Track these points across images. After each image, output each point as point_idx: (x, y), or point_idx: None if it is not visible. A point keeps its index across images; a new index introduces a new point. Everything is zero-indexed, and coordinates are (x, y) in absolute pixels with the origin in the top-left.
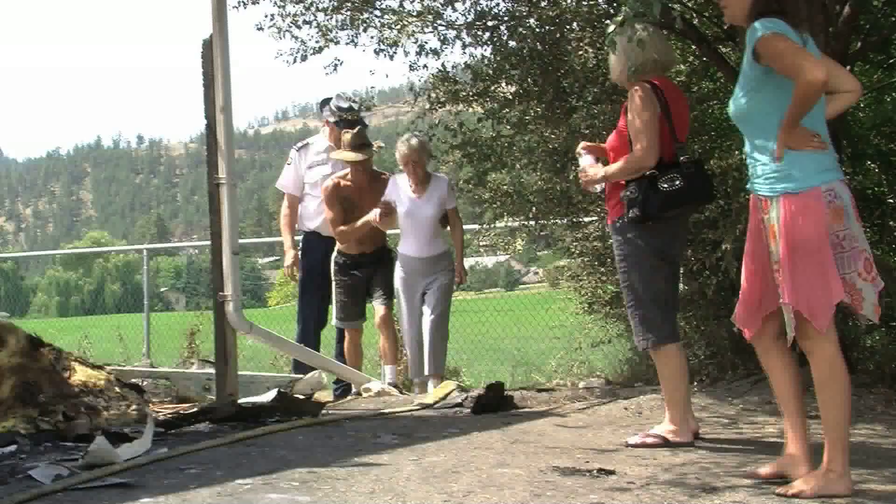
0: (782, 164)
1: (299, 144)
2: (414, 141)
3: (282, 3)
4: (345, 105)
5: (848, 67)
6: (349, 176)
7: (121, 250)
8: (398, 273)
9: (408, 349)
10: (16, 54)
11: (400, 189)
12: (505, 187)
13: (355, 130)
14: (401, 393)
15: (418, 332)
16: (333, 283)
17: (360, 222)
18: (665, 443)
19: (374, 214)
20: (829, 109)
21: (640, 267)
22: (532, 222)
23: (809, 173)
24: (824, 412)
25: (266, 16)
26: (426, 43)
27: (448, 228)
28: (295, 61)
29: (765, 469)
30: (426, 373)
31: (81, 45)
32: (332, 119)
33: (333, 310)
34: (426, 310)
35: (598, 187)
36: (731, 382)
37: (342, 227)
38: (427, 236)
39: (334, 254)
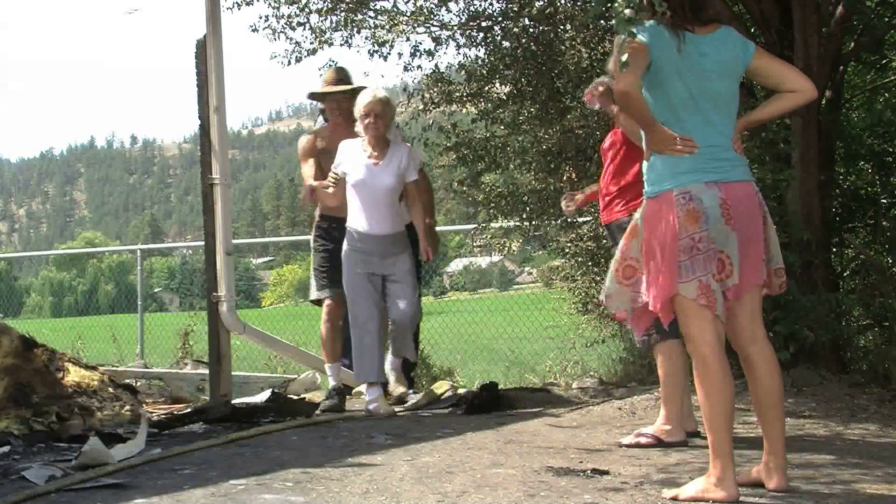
0: (648, 167)
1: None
2: (381, 93)
3: (276, 5)
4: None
5: (841, 68)
6: (328, 125)
7: (114, 251)
8: (349, 253)
9: (355, 347)
10: (9, 54)
11: (353, 154)
12: (499, 188)
13: (335, 66)
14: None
15: (376, 326)
16: (312, 252)
17: (318, 183)
18: (658, 443)
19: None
20: (774, 108)
21: None
22: (526, 223)
23: (663, 176)
24: (702, 414)
25: (260, 17)
26: (420, 44)
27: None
28: (290, 63)
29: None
30: (395, 355)
31: (76, 44)
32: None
33: (311, 283)
34: (398, 301)
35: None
36: None
37: (313, 183)
38: (385, 210)
39: (316, 219)
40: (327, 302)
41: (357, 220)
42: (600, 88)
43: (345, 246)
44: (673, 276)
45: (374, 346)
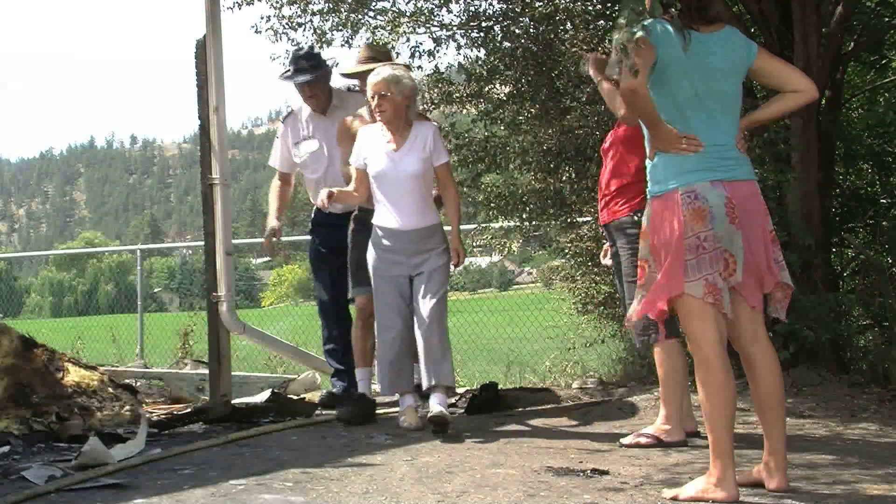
0: (652, 167)
1: (285, 114)
2: (387, 70)
3: (278, 5)
4: (301, 53)
5: (841, 68)
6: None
7: (114, 251)
8: (374, 252)
9: (379, 356)
10: (9, 53)
11: (371, 142)
12: (499, 188)
13: (367, 43)
14: None
15: (402, 333)
16: (350, 247)
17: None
18: (658, 443)
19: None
20: (776, 108)
21: None
22: (526, 223)
23: (669, 175)
24: (703, 414)
25: (262, 18)
26: (420, 44)
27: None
28: None
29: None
30: (432, 383)
31: (75, 43)
32: (288, 76)
33: (350, 281)
34: (421, 299)
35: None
36: None
37: (325, 192)
38: (413, 202)
39: (354, 211)
40: (358, 300)
41: (383, 215)
42: (602, 56)
43: (369, 246)
44: (679, 275)
45: (396, 358)
